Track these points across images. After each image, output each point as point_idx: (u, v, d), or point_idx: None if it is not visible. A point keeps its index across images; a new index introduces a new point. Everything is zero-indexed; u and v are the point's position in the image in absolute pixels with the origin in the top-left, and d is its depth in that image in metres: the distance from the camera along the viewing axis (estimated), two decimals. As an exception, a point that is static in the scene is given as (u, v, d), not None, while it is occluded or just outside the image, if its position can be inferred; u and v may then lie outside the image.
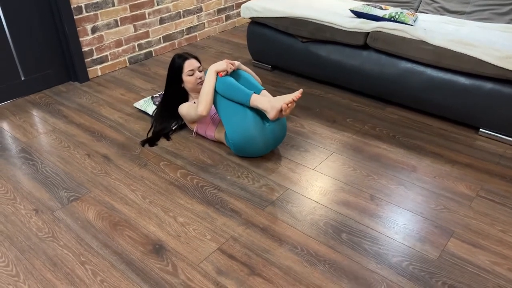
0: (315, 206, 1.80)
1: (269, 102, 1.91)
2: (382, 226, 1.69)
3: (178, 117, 2.34)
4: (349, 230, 1.67)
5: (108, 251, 1.60)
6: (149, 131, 2.34)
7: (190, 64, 2.22)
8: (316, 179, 1.97)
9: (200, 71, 2.26)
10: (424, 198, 1.83)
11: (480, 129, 2.26)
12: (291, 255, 1.56)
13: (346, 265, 1.52)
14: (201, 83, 2.25)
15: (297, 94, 1.86)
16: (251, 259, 1.55)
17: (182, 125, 2.39)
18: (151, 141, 2.25)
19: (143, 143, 2.24)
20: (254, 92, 2.04)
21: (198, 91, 2.29)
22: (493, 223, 1.69)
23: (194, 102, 2.23)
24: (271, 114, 1.91)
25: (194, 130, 2.29)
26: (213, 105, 2.23)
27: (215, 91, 2.03)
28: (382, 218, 1.73)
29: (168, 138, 2.29)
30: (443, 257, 1.54)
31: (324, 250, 1.58)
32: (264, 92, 2.07)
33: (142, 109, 2.55)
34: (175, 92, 2.29)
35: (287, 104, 1.87)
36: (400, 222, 1.70)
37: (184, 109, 2.22)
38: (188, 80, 2.23)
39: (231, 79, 2.01)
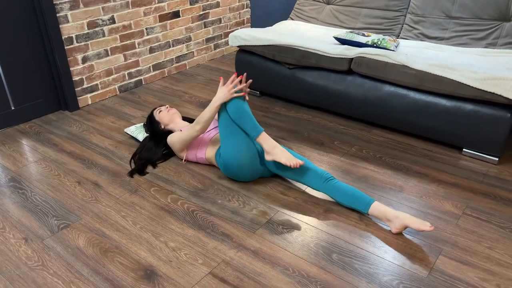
0: (306, 228, 1.82)
1: (273, 148, 1.94)
2: (372, 246, 1.71)
3: (165, 144, 2.37)
4: (340, 250, 1.69)
5: (99, 278, 1.59)
6: (131, 158, 2.36)
7: (157, 108, 2.47)
8: (306, 201, 1.99)
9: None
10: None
11: (464, 149, 2.33)
12: (283, 277, 1.57)
13: (338, 285, 1.53)
14: (172, 111, 2.42)
15: (300, 163, 1.90)
16: (243, 282, 1.55)
17: (170, 154, 2.40)
18: (140, 170, 2.25)
19: (131, 173, 2.24)
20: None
21: (176, 122, 2.40)
22: (480, 240, 1.73)
23: (181, 130, 2.28)
24: (268, 157, 1.96)
25: (184, 158, 2.31)
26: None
27: (225, 110, 2.00)
28: (371, 238, 1.75)
29: (154, 166, 2.31)
30: (432, 275, 1.56)
31: (316, 271, 1.59)
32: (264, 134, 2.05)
33: (133, 135, 2.57)
34: (158, 134, 2.41)
35: (289, 165, 1.91)
36: (389, 241, 1.73)
37: (175, 136, 2.24)
38: (161, 116, 2.40)
39: (246, 107, 2.00)
